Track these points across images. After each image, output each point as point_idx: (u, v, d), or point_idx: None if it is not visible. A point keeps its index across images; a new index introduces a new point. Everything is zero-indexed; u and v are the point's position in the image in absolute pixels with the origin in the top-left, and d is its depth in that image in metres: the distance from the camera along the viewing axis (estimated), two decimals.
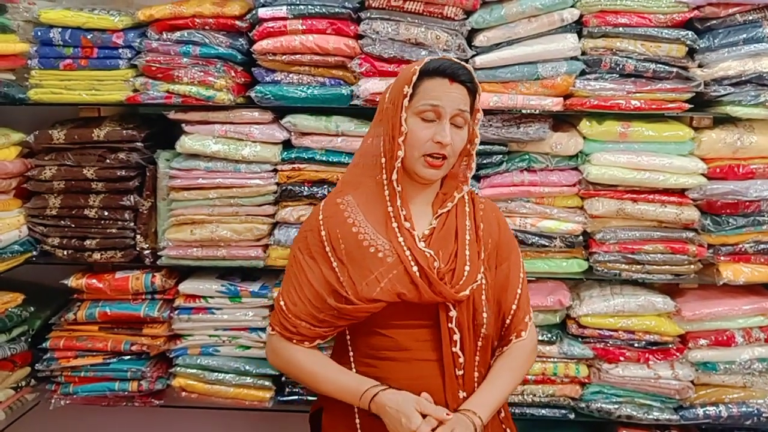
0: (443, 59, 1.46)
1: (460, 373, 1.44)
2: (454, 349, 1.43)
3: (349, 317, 1.44)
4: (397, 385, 1.42)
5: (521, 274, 1.56)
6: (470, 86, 1.45)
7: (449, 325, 1.43)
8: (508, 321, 1.51)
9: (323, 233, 1.49)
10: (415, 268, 1.41)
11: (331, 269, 1.46)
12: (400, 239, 1.44)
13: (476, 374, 1.49)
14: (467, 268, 1.45)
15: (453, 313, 1.43)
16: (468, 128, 1.49)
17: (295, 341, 1.49)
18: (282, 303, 1.50)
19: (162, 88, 2.05)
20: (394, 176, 1.46)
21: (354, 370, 1.50)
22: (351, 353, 1.51)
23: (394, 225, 1.45)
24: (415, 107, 1.43)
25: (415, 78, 1.43)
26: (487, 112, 2.00)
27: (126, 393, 2.20)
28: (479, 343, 1.48)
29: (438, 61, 1.45)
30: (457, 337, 1.43)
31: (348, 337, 1.52)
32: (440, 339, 1.44)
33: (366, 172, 1.52)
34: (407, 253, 1.42)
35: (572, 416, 2.16)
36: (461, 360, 1.44)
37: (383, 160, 1.48)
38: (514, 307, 1.51)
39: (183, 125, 2.08)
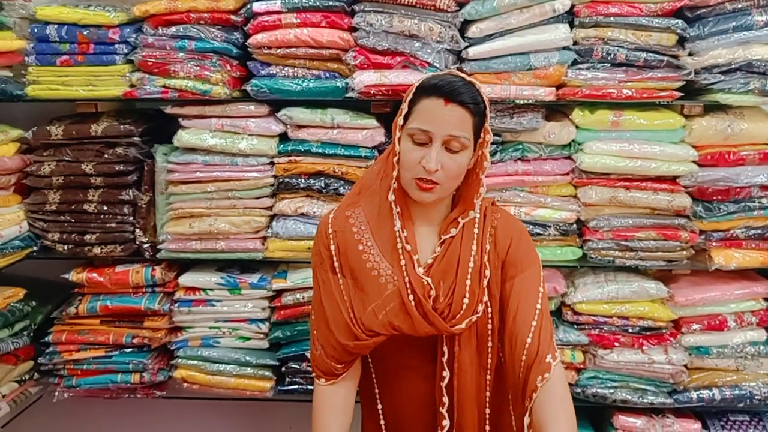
0: (445, 75, 1.33)
1: (442, 410, 1.42)
2: (441, 384, 1.42)
3: (351, 352, 1.42)
4: (408, 402, 1.47)
5: (540, 289, 1.39)
6: (472, 108, 1.31)
7: (442, 359, 1.41)
8: (529, 340, 1.33)
9: (333, 247, 1.44)
10: (411, 297, 1.36)
11: (338, 285, 1.44)
12: (403, 263, 1.38)
13: (487, 410, 1.47)
14: (466, 300, 1.37)
15: (446, 348, 1.40)
16: (471, 151, 1.36)
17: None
18: (315, 332, 1.47)
19: (158, 82, 2.06)
20: (392, 197, 1.40)
21: (375, 382, 1.53)
22: (371, 364, 1.54)
23: (399, 246, 1.39)
24: (407, 128, 1.34)
25: (410, 96, 1.35)
26: None
27: (128, 385, 2.23)
28: (488, 377, 1.45)
29: (437, 77, 1.33)
30: (446, 374, 1.41)
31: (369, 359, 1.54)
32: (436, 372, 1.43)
33: (386, 181, 1.44)
34: (406, 279, 1.37)
35: None
36: (444, 399, 1.42)
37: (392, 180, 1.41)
38: (528, 340, 1.33)
39: (180, 119, 2.10)
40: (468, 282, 1.38)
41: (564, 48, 2.00)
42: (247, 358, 2.20)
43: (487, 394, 1.47)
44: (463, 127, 1.32)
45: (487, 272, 1.41)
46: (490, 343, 1.43)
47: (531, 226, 2.09)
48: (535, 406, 1.30)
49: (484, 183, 1.42)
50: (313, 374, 1.49)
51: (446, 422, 1.42)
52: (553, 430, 1.27)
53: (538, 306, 1.37)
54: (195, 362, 2.22)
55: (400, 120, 1.36)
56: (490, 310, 1.42)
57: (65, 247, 2.17)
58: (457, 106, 1.30)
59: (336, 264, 1.44)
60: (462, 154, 1.34)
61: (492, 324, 1.42)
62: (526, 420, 1.33)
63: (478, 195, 1.42)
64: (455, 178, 1.36)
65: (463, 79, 1.33)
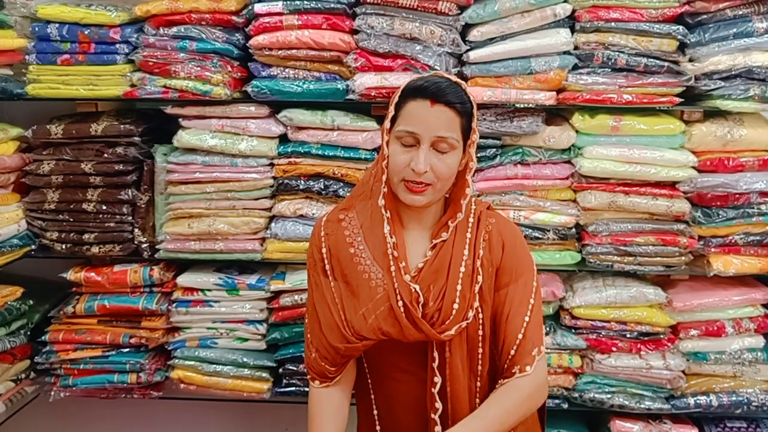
0: (430, 77, 1.33)
1: (434, 416, 1.40)
2: (433, 390, 1.39)
3: (342, 355, 1.41)
4: (403, 406, 1.46)
5: (531, 301, 1.40)
6: (459, 108, 1.31)
7: (433, 365, 1.39)
8: (512, 352, 1.36)
9: (324, 250, 1.45)
10: (400, 303, 1.35)
11: (329, 288, 1.43)
12: (393, 268, 1.37)
13: None
14: (456, 306, 1.35)
15: (436, 354, 1.38)
16: (460, 152, 1.35)
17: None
18: (308, 335, 1.47)
19: (159, 83, 2.06)
20: (381, 201, 1.40)
21: (370, 384, 1.52)
22: (366, 366, 1.52)
23: (390, 252, 1.38)
24: (395, 131, 1.33)
25: (396, 99, 1.34)
26: (481, 106, 2.02)
27: (125, 385, 2.22)
28: (478, 384, 1.43)
29: (422, 79, 1.33)
30: (437, 380, 1.39)
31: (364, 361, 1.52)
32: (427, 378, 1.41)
33: (377, 186, 1.43)
34: (396, 285, 1.36)
35: (566, 406, 2.19)
36: (438, 404, 1.39)
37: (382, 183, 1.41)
38: (520, 336, 1.36)
39: (180, 120, 2.10)
40: (459, 287, 1.37)
41: (565, 52, 2.00)
42: (245, 359, 2.19)
43: (477, 401, 1.45)
44: (451, 128, 1.31)
45: (479, 278, 1.40)
46: (480, 350, 1.42)
47: (530, 230, 2.09)
48: None
49: (470, 184, 1.41)
50: (308, 377, 1.49)
51: (438, 428, 1.41)
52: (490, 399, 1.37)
53: (527, 319, 1.38)
54: (192, 363, 2.22)
55: (387, 123, 1.36)
56: (481, 316, 1.40)
57: (63, 246, 2.17)
58: (443, 106, 1.30)
59: (327, 267, 1.44)
60: (451, 155, 1.33)
61: (483, 330, 1.41)
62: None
63: (464, 196, 1.41)
64: (446, 180, 1.36)
65: (448, 80, 1.33)
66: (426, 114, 1.30)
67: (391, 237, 1.39)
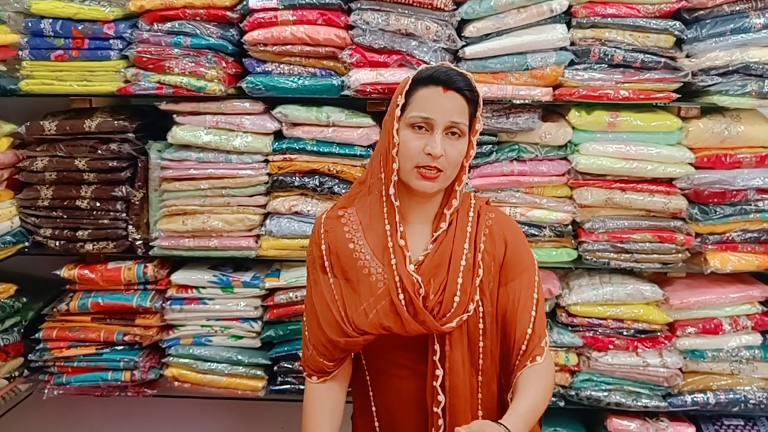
0: (439, 66, 1.38)
1: (437, 410, 1.40)
2: (435, 384, 1.40)
3: (342, 349, 1.42)
4: (401, 402, 1.46)
5: (535, 295, 1.43)
6: (468, 95, 1.36)
7: (434, 358, 1.39)
8: (523, 347, 1.39)
9: (323, 247, 1.45)
10: (401, 296, 1.36)
11: (328, 285, 1.44)
12: (393, 262, 1.38)
13: (480, 413, 1.45)
14: (457, 299, 1.37)
15: (437, 347, 1.39)
16: (467, 139, 1.39)
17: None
18: (306, 332, 1.48)
19: (153, 78, 2.05)
20: (392, 190, 1.39)
21: (368, 380, 1.52)
22: (364, 363, 1.52)
23: (390, 244, 1.39)
24: (407, 118, 1.36)
25: (407, 87, 1.37)
26: None
27: (119, 383, 2.21)
28: (479, 378, 1.44)
29: (433, 68, 1.38)
30: (439, 372, 1.39)
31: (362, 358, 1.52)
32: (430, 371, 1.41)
33: (375, 183, 1.45)
34: (396, 278, 1.37)
35: (562, 404, 2.18)
36: (440, 397, 1.39)
37: (382, 174, 1.41)
38: (529, 331, 1.39)
39: (174, 116, 2.09)
40: (459, 280, 1.38)
41: (561, 48, 1.99)
42: (239, 357, 2.18)
43: (479, 396, 1.45)
44: (462, 114, 1.36)
45: (480, 271, 1.40)
46: (481, 344, 1.42)
47: (526, 227, 2.08)
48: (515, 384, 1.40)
49: (467, 170, 1.44)
50: (304, 373, 1.49)
51: (441, 422, 1.41)
52: (521, 392, 1.36)
53: (533, 314, 1.41)
54: (186, 360, 2.21)
55: (397, 111, 1.37)
56: (481, 310, 1.41)
57: (57, 243, 2.16)
58: (455, 93, 1.35)
59: (326, 263, 1.45)
60: (462, 141, 1.37)
61: (483, 324, 1.41)
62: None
63: (460, 182, 1.43)
64: (455, 166, 1.39)
65: (456, 69, 1.37)
66: (439, 100, 1.34)
67: (400, 226, 1.40)
